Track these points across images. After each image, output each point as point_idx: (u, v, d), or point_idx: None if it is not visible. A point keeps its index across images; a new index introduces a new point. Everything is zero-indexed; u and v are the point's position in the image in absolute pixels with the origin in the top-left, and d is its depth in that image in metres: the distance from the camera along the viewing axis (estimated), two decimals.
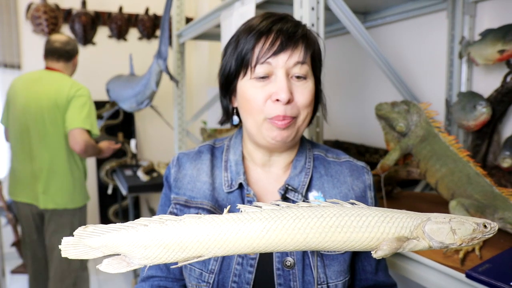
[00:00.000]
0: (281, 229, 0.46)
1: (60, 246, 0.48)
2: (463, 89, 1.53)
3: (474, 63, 1.40)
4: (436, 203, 1.30)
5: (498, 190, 1.00)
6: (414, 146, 1.21)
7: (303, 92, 0.71)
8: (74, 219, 2.06)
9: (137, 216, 3.51)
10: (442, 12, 1.61)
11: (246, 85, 0.72)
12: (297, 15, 1.26)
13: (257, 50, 0.70)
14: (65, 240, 0.48)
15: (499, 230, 0.99)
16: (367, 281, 0.83)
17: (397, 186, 1.44)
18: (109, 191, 3.40)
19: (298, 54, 0.70)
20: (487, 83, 1.47)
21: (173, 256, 0.47)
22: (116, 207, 3.46)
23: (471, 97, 1.38)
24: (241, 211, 0.49)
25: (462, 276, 0.83)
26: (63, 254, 0.48)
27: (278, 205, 0.50)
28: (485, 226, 0.48)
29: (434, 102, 1.59)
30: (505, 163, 1.21)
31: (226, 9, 1.69)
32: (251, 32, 0.71)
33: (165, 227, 0.48)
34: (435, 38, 1.66)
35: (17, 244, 2.93)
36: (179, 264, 0.49)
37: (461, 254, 0.91)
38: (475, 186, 1.03)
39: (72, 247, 0.48)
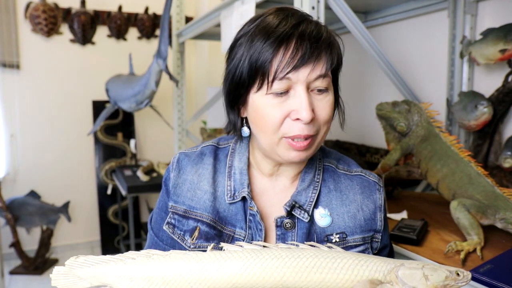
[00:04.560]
0: (259, 268, 0.49)
1: (50, 275, 0.50)
2: (464, 88, 1.53)
3: (475, 63, 1.40)
4: (437, 204, 1.30)
5: (499, 190, 1.00)
6: (415, 146, 1.20)
7: (325, 107, 0.64)
8: None
9: (136, 216, 3.50)
10: (443, 12, 1.60)
11: (261, 101, 0.64)
12: None
13: (275, 63, 0.61)
14: (56, 269, 0.51)
15: (501, 230, 0.99)
16: None
17: (398, 186, 1.44)
18: (109, 192, 3.39)
19: (321, 67, 0.62)
20: (488, 83, 1.46)
21: None
22: (116, 207, 3.45)
23: (472, 96, 1.37)
24: (224, 249, 0.51)
25: None
26: (53, 283, 0.50)
27: (258, 245, 0.52)
28: (457, 274, 0.50)
29: (435, 102, 1.58)
30: (507, 163, 1.20)
31: (226, 8, 1.68)
32: (268, 37, 0.62)
33: (151, 261, 0.50)
34: (436, 38, 1.66)
35: (16, 244, 2.92)
36: None
37: (462, 255, 0.90)
38: (476, 186, 1.02)
39: (62, 276, 0.51)
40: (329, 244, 0.52)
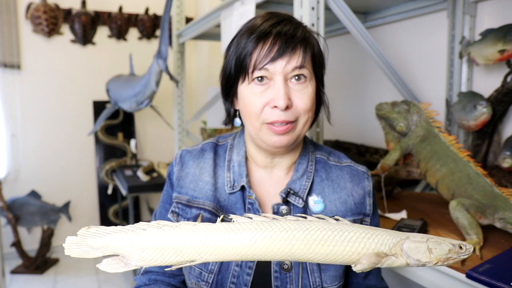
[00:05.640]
0: (268, 239, 0.50)
1: (63, 244, 0.51)
2: (464, 89, 1.53)
3: (474, 63, 1.40)
4: (436, 203, 1.30)
5: (498, 190, 1.00)
6: (414, 146, 1.21)
7: (302, 97, 0.71)
8: None
9: (137, 216, 3.51)
10: (443, 12, 1.61)
11: (245, 91, 0.72)
12: (297, 15, 1.26)
13: (254, 56, 0.69)
14: (69, 239, 0.51)
15: (500, 230, 0.99)
16: (358, 285, 0.84)
17: (397, 186, 1.44)
18: (109, 191, 3.39)
19: (296, 59, 0.69)
20: (488, 83, 1.47)
21: (168, 259, 0.51)
22: (116, 207, 3.46)
23: (472, 97, 1.37)
24: (233, 221, 0.52)
25: (462, 276, 0.82)
26: (66, 252, 0.51)
27: (267, 217, 0.53)
28: (460, 248, 0.51)
29: (435, 102, 1.59)
30: (506, 163, 1.21)
31: (226, 9, 1.69)
32: (251, 34, 0.70)
33: (162, 232, 0.51)
34: (436, 38, 1.66)
35: (16, 244, 2.93)
36: (173, 267, 0.51)
37: None
38: (475, 186, 1.03)
39: (75, 245, 0.52)
40: (336, 217, 0.54)
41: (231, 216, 0.53)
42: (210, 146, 0.83)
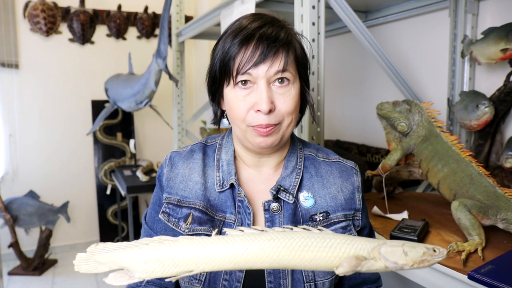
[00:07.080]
0: (257, 248, 0.54)
1: (74, 261, 0.56)
2: (466, 88, 1.52)
3: (476, 62, 1.39)
4: (438, 204, 1.29)
5: (500, 190, 0.99)
6: (416, 146, 1.20)
7: (285, 100, 0.72)
8: None
9: (136, 217, 3.50)
10: (444, 11, 1.60)
11: (230, 94, 0.73)
12: (297, 14, 1.25)
13: (237, 60, 0.70)
14: (79, 255, 0.57)
15: (502, 230, 0.99)
16: (354, 279, 0.86)
17: (398, 186, 1.43)
18: (108, 192, 3.38)
19: (278, 63, 0.70)
20: (490, 82, 1.46)
21: (168, 270, 0.55)
22: (115, 207, 3.45)
23: (474, 96, 1.36)
24: (227, 234, 0.57)
25: (464, 277, 0.82)
26: (76, 268, 0.56)
27: (257, 229, 0.58)
28: (434, 250, 0.54)
29: (436, 102, 1.58)
30: (508, 163, 1.20)
31: (226, 7, 1.68)
32: (235, 37, 0.71)
33: (162, 246, 0.56)
34: (437, 37, 1.65)
35: (14, 245, 2.91)
36: (173, 278, 0.55)
37: (463, 255, 0.89)
38: (477, 186, 1.02)
39: (84, 262, 0.57)
40: (319, 227, 0.57)
41: (225, 229, 0.58)
42: (199, 147, 0.84)
